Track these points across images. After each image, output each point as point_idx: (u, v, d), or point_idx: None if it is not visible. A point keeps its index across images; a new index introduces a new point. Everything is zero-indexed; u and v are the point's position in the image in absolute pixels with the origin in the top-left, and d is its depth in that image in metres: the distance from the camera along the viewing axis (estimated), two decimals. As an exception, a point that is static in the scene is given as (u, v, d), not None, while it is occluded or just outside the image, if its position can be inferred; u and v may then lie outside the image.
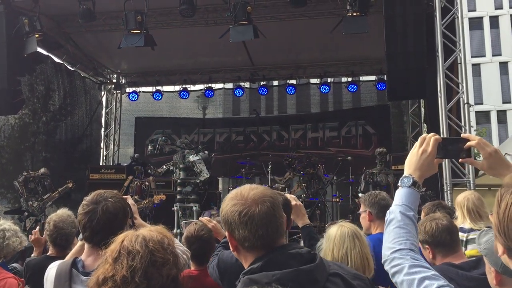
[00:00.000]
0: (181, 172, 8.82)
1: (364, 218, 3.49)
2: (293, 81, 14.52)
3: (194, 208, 8.53)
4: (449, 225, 2.76)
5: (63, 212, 3.75)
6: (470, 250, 3.38)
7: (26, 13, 9.42)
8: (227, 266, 2.75)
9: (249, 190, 1.69)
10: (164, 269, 1.50)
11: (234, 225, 1.64)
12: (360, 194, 9.09)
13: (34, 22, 9.25)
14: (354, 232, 2.59)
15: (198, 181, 8.78)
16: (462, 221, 3.83)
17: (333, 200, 10.91)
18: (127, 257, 1.44)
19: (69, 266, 2.26)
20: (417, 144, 1.82)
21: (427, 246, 2.77)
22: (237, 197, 1.68)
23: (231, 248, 1.72)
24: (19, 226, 8.94)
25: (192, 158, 8.71)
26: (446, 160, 7.82)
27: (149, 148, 9.35)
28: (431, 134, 1.82)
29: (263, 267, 1.58)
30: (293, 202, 3.03)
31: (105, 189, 2.37)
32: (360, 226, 3.09)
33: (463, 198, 3.92)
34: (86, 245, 2.33)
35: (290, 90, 14.22)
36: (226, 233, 1.71)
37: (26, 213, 9.30)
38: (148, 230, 1.55)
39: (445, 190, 7.81)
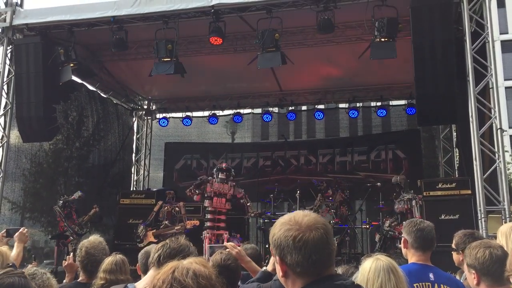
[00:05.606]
0: (227, 202, 8.82)
1: (402, 244, 3.44)
2: (321, 106, 14.46)
3: (225, 236, 8.50)
4: (503, 257, 2.68)
5: (95, 238, 3.82)
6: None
7: (61, 43, 9.77)
8: None
9: (302, 216, 1.72)
10: None
11: (287, 250, 1.66)
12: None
13: (69, 52, 9.58)
14: (390, 266, 2.50)
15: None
16: None
17: (363, 227, 10.71)
18: None
19: None
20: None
21: (473, 272, 2.71)
22: (290, 222, 1.70)
23: (281, 274, 1.70)
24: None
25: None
26: (480, 186, 7.62)
27: None
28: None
29: None
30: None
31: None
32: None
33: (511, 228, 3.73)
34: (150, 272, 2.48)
35: (319, 116, 14.07)
36: (276, 258, 1.70)
37: (71, 238, 9.44)
38: (194, 263, 1.57)
39: (479, 218, 7.55)
